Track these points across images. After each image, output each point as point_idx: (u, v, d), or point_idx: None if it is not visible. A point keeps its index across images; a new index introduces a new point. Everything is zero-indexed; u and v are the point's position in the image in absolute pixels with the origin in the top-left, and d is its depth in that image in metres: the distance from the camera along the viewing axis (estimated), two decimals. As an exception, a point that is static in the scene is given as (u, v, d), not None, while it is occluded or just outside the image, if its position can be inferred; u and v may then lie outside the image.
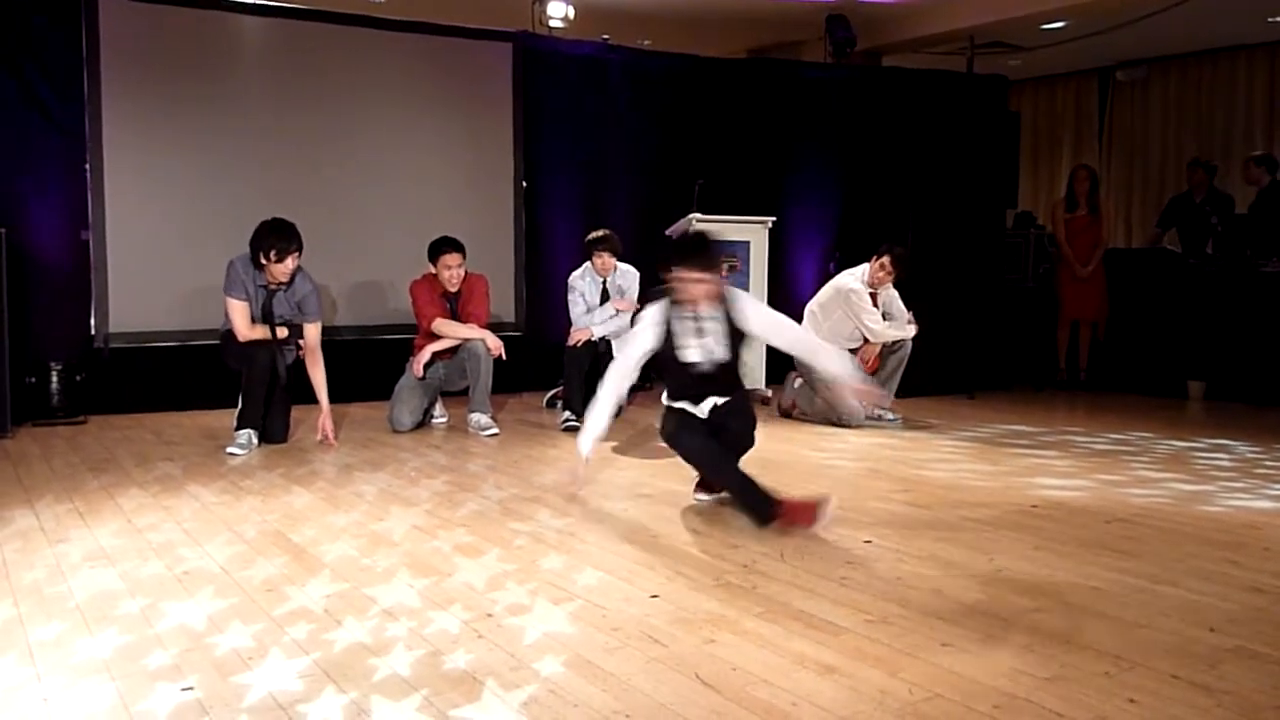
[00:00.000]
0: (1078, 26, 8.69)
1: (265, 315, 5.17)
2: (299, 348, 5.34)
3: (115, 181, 6.19)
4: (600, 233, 6.16)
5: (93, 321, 6.18)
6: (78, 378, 5.99)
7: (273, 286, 5.15)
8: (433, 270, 5.72)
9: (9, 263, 5.42)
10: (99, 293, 6.17)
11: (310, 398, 5.31)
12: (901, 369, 6.15)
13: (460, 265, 5.69)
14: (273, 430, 5.27)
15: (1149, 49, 9.90)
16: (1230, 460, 5.05)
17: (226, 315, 5.15)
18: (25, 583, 2.96)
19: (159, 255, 6.29)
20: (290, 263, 5.07)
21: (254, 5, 6.62)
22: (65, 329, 6.13)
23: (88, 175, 6.12)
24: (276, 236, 5.03)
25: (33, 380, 5.87)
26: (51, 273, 6.11)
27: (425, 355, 5.68)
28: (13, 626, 2.60)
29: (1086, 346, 8.03)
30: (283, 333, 5.22)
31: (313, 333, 5.29)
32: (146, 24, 6.26)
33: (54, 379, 5.90)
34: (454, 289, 5.72)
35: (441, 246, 5.68)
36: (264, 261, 5.04)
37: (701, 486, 4.02)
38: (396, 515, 3.80)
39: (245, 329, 5.13)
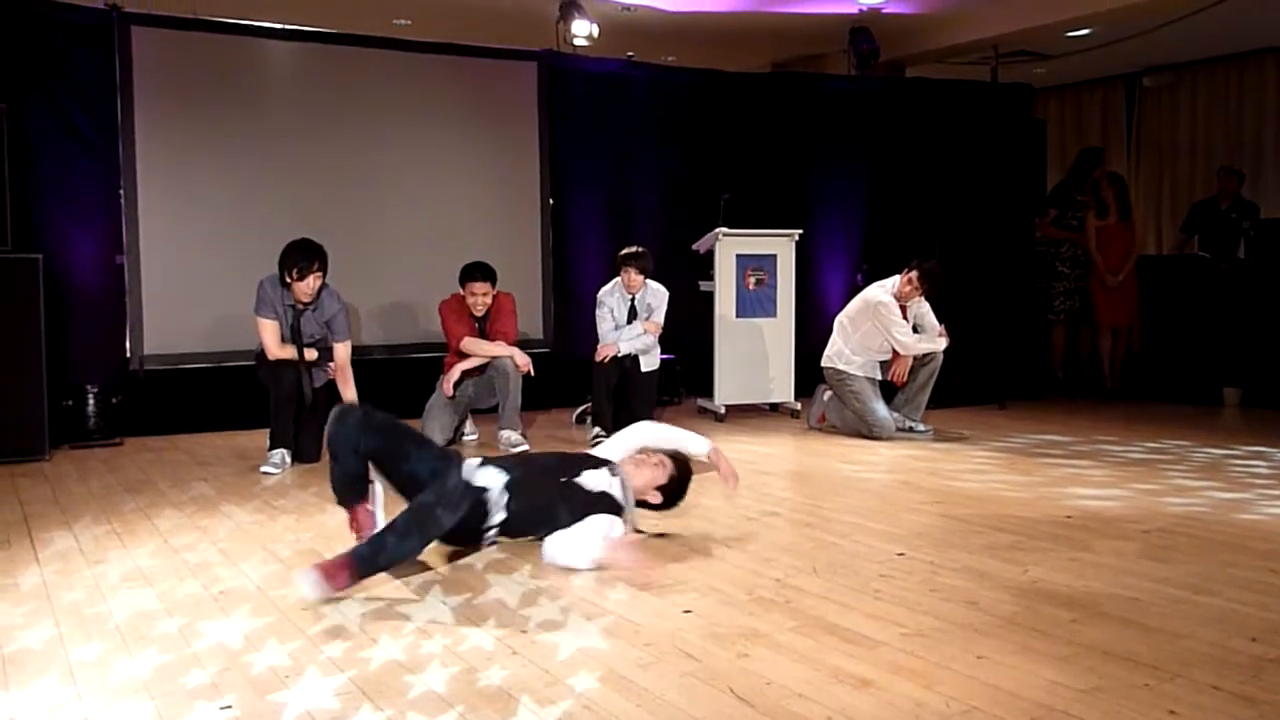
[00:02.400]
0: (1103, 33, 8.62)
1: (294, 334, 5.21)
2: (330, 369, 5.38)
3: (149, 206, 6.27)
4: (632, 249, 6.13)
5: (128, 344, 6.26)
6: (114, 400, 6.07)
7: (300, 306, 5.19)
8: (462, 291, 5.77)
9: (46, 288, 5.50)
10: (134, 316, 6.25)
11: (343, 417, 5.34)
12: (932, 381, 6.10)
13: (488, 294, 5.71)
14: (305, 449, 5.31)
15: (1176, 54, 9.80)
16: (1268, 467, 4.99)
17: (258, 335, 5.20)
18: (65, 603, 2.99)
19: (192, 278, 6.37)
20: (312, 281, 5.10)
21: (282, 30, 6.70)
22: (101, 352, 6.21)
23: (122, 200, 6.21)
24: (299, 255, 5.07)
25: (70, 403, 5.94)
26: (87, 297, 6.19)
27: (454, 374, 5.72)
28: (53, 647, 2.64)
29: (1120, 354, 7.96)
30: (311, 355, 5.24)
31: (342, 352, 5.33)
32: (178, 50, 6.36)
33: (90, 402, 5.97)
34: (480, 314, 5.76)
35: (471, 273, 5.72)
36: (288, 280, 5.09)
37: None
38: (429, 533, 3.81)
39: (275, 348, 5.17)
